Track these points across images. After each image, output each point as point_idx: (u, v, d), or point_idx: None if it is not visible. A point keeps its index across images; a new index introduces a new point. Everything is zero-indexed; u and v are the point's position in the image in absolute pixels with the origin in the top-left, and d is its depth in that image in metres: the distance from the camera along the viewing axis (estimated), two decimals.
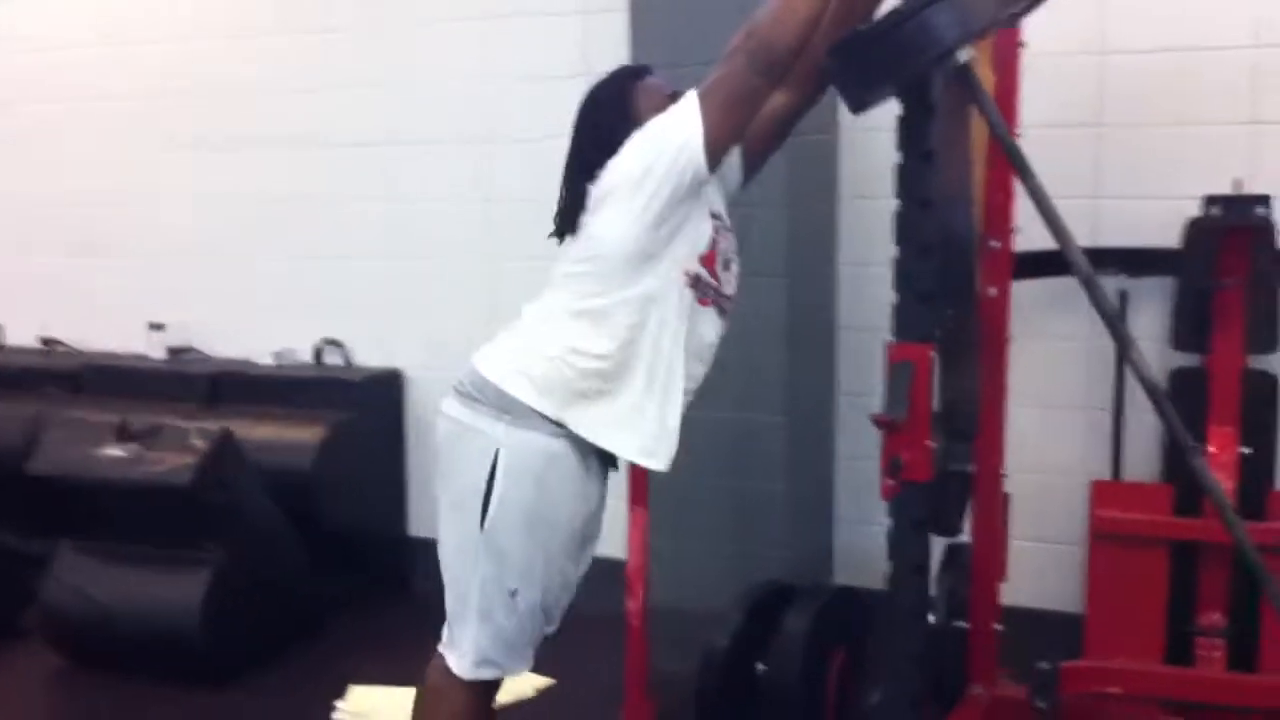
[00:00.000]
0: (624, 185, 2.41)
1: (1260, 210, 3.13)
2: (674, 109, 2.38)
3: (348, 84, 4.53)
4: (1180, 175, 3.40)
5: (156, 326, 4.88)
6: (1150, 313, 3.49)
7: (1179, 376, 3.43)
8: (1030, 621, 3.50)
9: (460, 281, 4.37)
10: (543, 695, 3.72)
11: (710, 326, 2.59)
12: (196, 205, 4.87)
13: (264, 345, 4.70)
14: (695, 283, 2.51)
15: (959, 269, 2.98)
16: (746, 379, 3.55)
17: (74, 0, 5.03)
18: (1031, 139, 3.34)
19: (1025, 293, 3.50)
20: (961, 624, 3.43)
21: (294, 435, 4.24)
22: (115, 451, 3.80)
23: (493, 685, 2.65)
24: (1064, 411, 3.63)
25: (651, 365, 2.50)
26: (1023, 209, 3.22)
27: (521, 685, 3.75)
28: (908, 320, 2.70)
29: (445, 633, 2.61)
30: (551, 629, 2.63)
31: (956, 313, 3.02)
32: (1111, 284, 3.48)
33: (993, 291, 3.31)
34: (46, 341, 5.16)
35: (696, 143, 2.34)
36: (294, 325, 4.68)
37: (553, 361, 2.48)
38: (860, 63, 2.42)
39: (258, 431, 4.18)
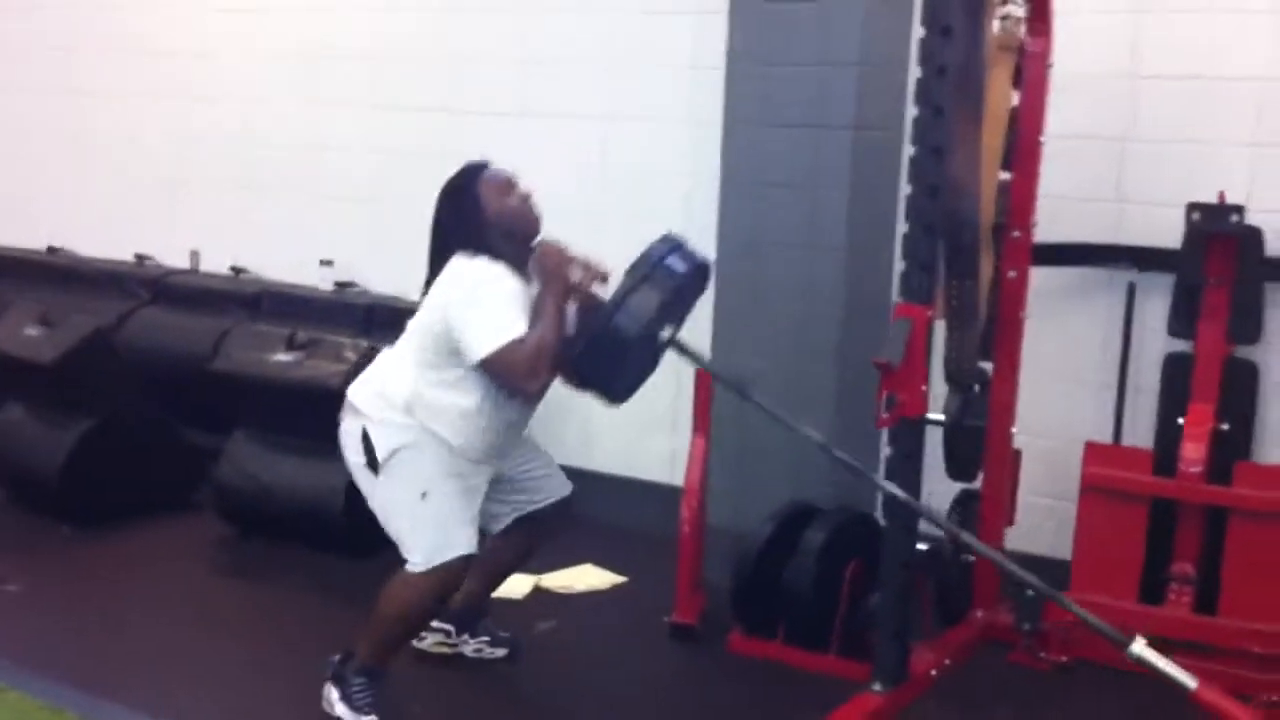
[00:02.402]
0: (436, 309, 3.23)
1: (1234, 219, 3.63)
2: (483, 314, 3.14)
3: (498, 59, 5.25)
4: (1192, 186, 3.88)
5: (326, 262, 5.66)
6: (1155, 304, 4.00)
7: (1172, 360, 3.94)
8: (1030, 564, 4.02)
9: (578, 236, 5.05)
10: (615, 589, 4.41)
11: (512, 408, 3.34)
12: (368, 158, 5.61)
13: (415, 283, 5.45)
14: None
15: (965, 248, 3.58)
16: (803, 331, 4.14)
17: None
18: (1066, 148, 3.93)
19: (1049, 279, 4.06)
20: (968, 557, 4.02)
21: None
22: (283, 356, 4.59)
23: (441, 577, 3.26)
24: (1075, 384, 4.15)
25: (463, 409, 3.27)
26: (1043, 206, 3.81)
27: (600, 579, 4.46)
28: (911, 285, 3.30)
29: (403, 556, 3.29)
30: (477, 523, 3.36)
31: (962, 285, 3.62)
32: (1123, 277, 4.01)
33: (1013, 274, 3.88)
34: (235, 269, 5.98)
35: (473, 355, 3.14)
36: None
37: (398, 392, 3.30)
38: (599, 372, 3.20)
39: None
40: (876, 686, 3.39)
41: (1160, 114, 4.00)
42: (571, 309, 3.25)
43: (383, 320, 5.26)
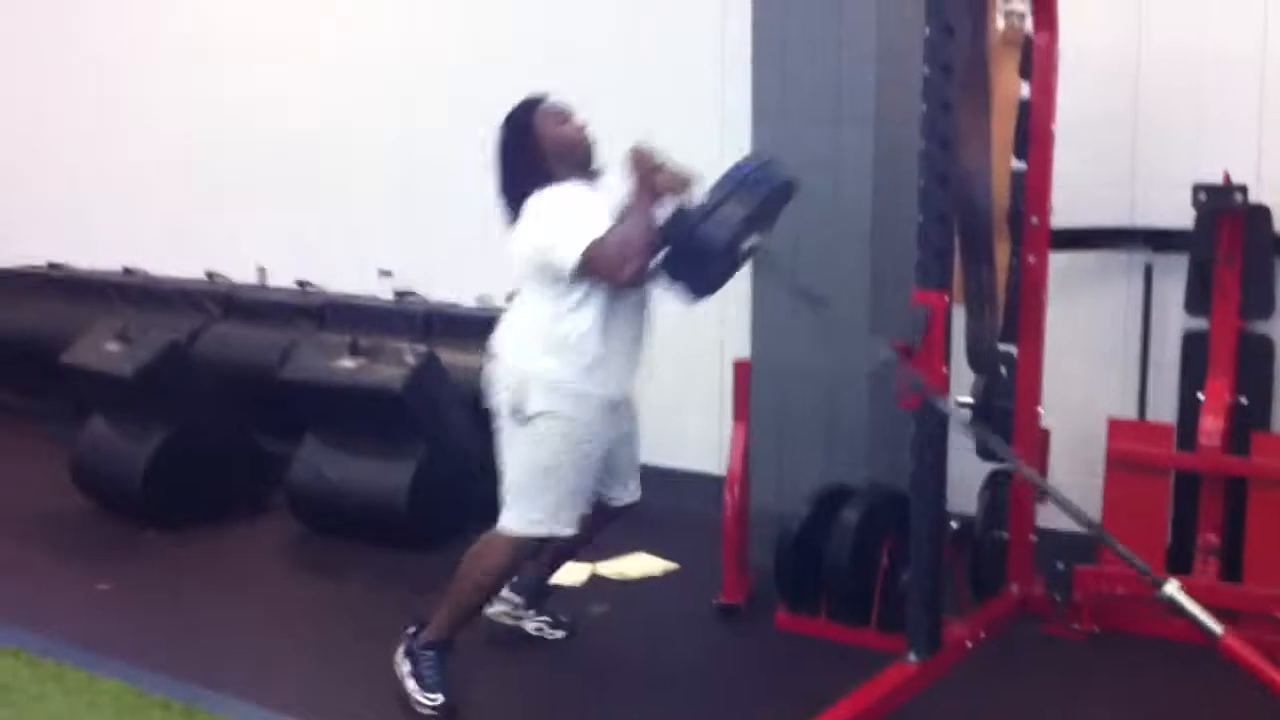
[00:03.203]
0: (522, 244, 3.46)
1: (1238, 198, 3.77)
2: (563, 227, 3.35)
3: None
4: (1203, 166, 3.98)
5: (385, 273, 5.95)
6: (1172, 283, 4.15)
7: (1190, 337, 4.10)
8: (1060, 539, 4.20)
9: None
10: (668, 574, 4.63)
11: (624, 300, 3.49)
12: (428, 172, 5.87)
13: (470, 290, 5.72)
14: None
15: (978, 235, 3.75)
16: (833, 326, 4.33)
17: None
18: (1080, 134, 4.09)
19: (1069, 263, 4.22)
20: (1001, 533, 4.19)
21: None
22: (347, 363, 4.86)
23: (531, 547, 3.58)
24: (1098, 364, 4.31)
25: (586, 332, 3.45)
26: (1059, 192, 3.98)
27: (653, 566, 4.68)
28: (927, 272, 3.48)
29: (502, 512, 3.55)
30: (584, 504, 3.59)
31: (979, 271, 3.79)
32: (1140, 258, 4.17)
33: (1033, 260, 4.05)
34: (300, 283, 6.27)
35: (564, 265, 3.34)
36: (494, 274, 5.66)
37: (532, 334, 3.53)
38: (683, 272, 3.43)
39: (459, 358, 5.14)
40: (911, 657, 3.58)
41: (1166, 97, 4.16)
42: (660, 211, 3.41)
43: (440, 327, 5.55)
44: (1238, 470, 3.85)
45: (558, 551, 3.93)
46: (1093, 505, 4.12)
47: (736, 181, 3.37)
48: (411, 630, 3.59)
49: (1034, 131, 3.95)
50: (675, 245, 3.39)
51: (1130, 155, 4.23)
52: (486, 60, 5.66)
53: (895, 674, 3.51)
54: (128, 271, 6.78)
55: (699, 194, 3.41)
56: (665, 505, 4.98)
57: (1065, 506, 3.23)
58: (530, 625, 4.01)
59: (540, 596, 4.02)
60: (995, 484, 4.19)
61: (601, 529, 3.89)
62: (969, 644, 3.79)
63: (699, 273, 3.46)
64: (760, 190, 3.39)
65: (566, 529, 3.54)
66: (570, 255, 3.32)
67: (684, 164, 3.47)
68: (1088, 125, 4.15)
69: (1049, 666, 3.82)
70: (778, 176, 3.46)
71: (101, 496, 5.28)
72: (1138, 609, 3.93)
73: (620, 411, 3.63)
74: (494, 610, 3.94)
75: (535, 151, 3.51)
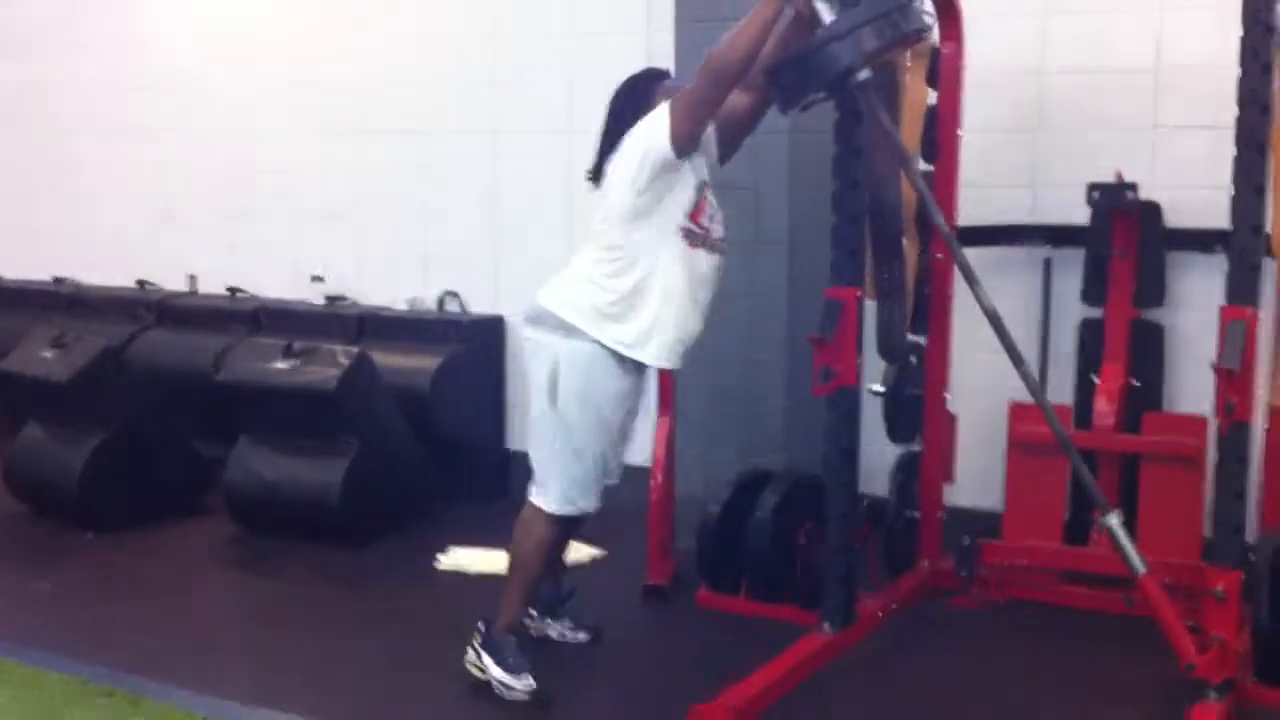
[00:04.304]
0: (620, 169, 3.47)
1: (1130, 195, 4.03)
2: (652, 115, 3.43)
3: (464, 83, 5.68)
4: (1100, 168, 4.26)
5: (317, 278, 6.06)
6: (1069, 276, 4.41)
7: (1086, 325, 4.35)
8: (967, 516, 4.44)
9: (548, 251, 5.42)
10: (597, 562, 4.79)
11: (704, 262, 3.57)
12: (353, 181, 6.01)
13: (401, 294, 5.87)
14: (687, 234, 3.53)
15: (888, 232, 3.98)
16: (754, 319, 4.54)
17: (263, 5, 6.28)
18: (984, 140, 4.34)
19: (973, 259, 4.44)
20: (912, 513, 4.42)
21: (417, 362, 5.39)
22: (281, 364, 4.97)
23: (570, 523, 3.69)
24: (1001, 352, 4.49)
25: (660, 296, 3.52)
26: (965, 193, 4.22)
27: (581, 554, 4.83)
28: (840, 269, 3.70)
29: (532, 488, 3.64)
30: (611, 481, 3.69)
31: (890, 267, 4.02)
32: (1040, 253, 4.43)
33: (939, 257, 4.28)
34: (231, 290, 6.37)
35: (662, 140, 3.37)
36: (423, 279, 5.84)
37: (587, 294, 3.55)
38: (786, 78, 3.39)
39: (391, 359, 5.31)
40: (826, 627, 3.79)
41: (1066, 105, 4.42)
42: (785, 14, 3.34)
43: (373, 329, 5.68)
44: (1130, 448, 4.11)
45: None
46: (996, 483, 4.37)
47: (880, 12, 3.24)
48: (481, 627, 3.65)
49: (941, 136, 4.19)
50: (800, 52, 3.30)
51: (1031, 157, 4.48)
52: (413, 66, 5.81)
53: (810, 643, 3.72)
54: (57, 280, 6.83)
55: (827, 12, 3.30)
56: None
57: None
58: (553, 631, 4.03)
59: (554, 602, 4.03)
60: (906, 466, 4.42)
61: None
62: (881, 616, 4.01)
63: (804, 85, 3.35)
64: (900, 28, 3.29)
65: (594, 505, 3.65)
66: (660, 117, 3.34)
67: None
68: (992, 130, 4.39)
69: (957, 636, 4.04)
70: (916, 20, 3.35)
71: (36, 500, 5.34)
72: (1039, 580, 4.18)
73: (641, 381, 3.68)
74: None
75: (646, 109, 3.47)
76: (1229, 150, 3.27)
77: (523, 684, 3.56)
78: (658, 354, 3.56)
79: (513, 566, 3.69)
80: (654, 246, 3.50)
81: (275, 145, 6.26)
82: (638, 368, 3.60)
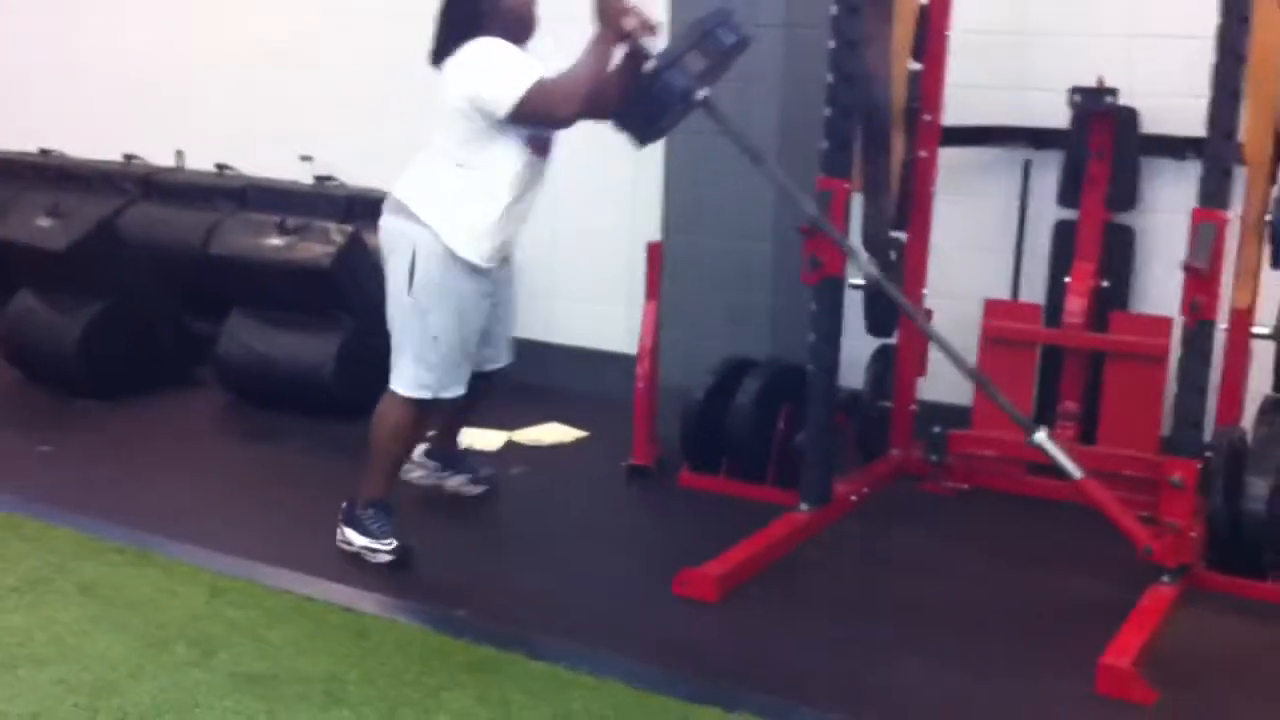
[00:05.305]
0: (454, 88, 3.55)
1: (1109, 100, 4.17)
2: (499, 55, 3.49)
3: None
4: (1084, 74, 4.36)
5: (305, 158, 6.11)
6: (1048, 177, 4.55)
7: (1061, 226, 4.51)
8: (938, 410, 4.62)
9: None
10: (579, 442, 4.97)
11: (542, 167, 3.68)
12: (343, 62, 6.05)
13: (391, 176, 5.91)
14: (531, 140, 3.61)
15: (878, 130, 4.11)
16: (742, 214, 4.66)
17: None
18: (973, 43, 4.44)
19: (956, 158, 4.60)
20: (886, 403, 4.61)
21: None
22: (275, 240, 5.08)
23: (427, 406, 3.77)
24: (979, 251, 4.71)
25: (496, 199, 3.62)
26: (952, 93, 4.34)
27: (565, 434, 5.02)
28: (831, 161, 3.84)
29: (392, 374, 3.74)
30: (493, 366, 3.87)
31: (876, 162, 4.16)
32: (1021, 155, 4.57)
33: (924, 154, 4.42)
34: (219, 166, 6.42)
35: (503, 104, 3.46)
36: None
37: (434, 188, 3.65)
38: (635, 118, 3.56)
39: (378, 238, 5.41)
40: (803, 506, 4.00)
41: (1054, 9, 4.53)
42: (616, 54, 3.54)
43: (363, 210, 5.73)
44: (1097, 345, 4.30)
45: (452, 415, 4.14)
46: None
47: (700, 33, 3.49)
48: (345, 504, 3.80)
49: (931, 36, 4.30)
50: (637, 89, 3.50)
51: (1018, 61, 4.59)
52: None
53: (788, 521, 3.93)
54: (44, 153, 6.85)
55: (658, 43, 3.55)
56: (578, 384, 5.36)
57: (946, 350, 3.61)
58: (450, 484, 4.27)
59: (454, 458, 4.28)
60: (881, 359, 4.60)
61: (480, 395, 4.04)
62: (854, 499, 4.22)
63: (651, 118, 3.57)
64: (722, 44, 3.52)
65: (455, 391, 3.74)
66: (509, 96, 3.44)
67: (648, 10, 3.58)
68: (980, 32, 4.50)
69: (924, 518, 4.26)
70: (737, 31, 3.57)
71: (30, 367, 5.45)
72: (1003, 469, 4.39)
73: (504, 273, 3.84)
74: (414, 476, 4.20)
75: (485, 10, 3.59)
76: (1208, 61, 3.39)
77: (385, 545, 3.70)
78: (488, 254, 3.66)
79: (372, 451, 3.80)
80: (494, 150, 3.59)
81: (268, 21, 6.28)
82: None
